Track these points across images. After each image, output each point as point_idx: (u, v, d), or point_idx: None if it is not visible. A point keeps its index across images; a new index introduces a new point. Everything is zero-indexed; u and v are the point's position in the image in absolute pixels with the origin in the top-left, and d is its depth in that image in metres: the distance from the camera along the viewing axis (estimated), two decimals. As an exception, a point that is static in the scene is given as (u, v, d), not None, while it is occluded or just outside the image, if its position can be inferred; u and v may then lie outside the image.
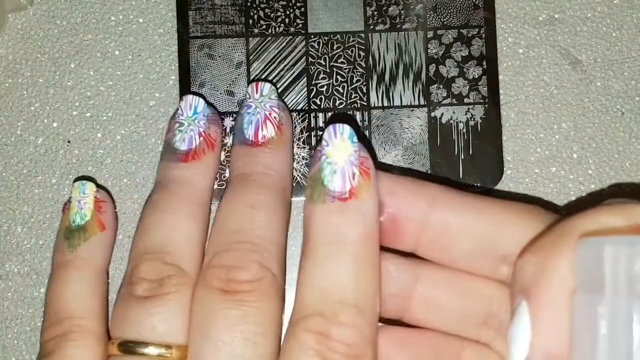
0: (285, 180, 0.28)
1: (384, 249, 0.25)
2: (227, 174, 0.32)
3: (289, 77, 0.32)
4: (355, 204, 0.24)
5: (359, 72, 0.32)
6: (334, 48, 0.32)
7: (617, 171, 0.32)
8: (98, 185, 0.30)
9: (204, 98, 0.30)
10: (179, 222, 0.27)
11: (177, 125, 0.29)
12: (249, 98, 0.29)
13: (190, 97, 0.29)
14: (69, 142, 0.32)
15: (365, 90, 0.32)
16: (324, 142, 0.25)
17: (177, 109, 0.29)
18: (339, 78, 0.32)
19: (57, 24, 0.33)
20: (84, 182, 0.29)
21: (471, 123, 0.32)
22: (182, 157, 0.28)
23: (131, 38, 0.33)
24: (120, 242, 0.32)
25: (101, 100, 0.33)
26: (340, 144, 0.25)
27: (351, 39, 0.32)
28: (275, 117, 0.28)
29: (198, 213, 0.28)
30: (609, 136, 0.32)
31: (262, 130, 0.28)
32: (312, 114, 0.32)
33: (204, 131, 0.28)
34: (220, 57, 0.32)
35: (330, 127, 0.25)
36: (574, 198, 0.32)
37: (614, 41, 0.33)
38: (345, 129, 0.25)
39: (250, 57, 0.32)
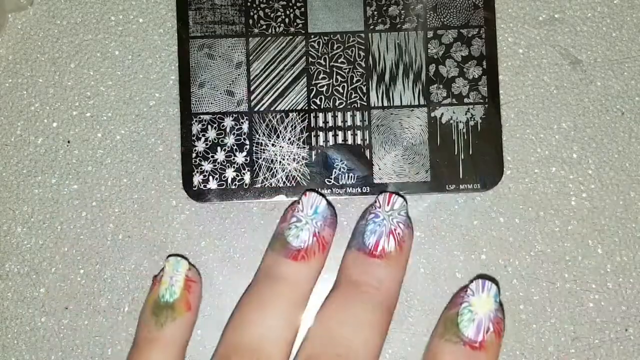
0: (393, 298, 0.28)
1: None
2: (227, 174, 0.32)
3: (289, 77, 0.32)
4: (482, 356, 0.26)
5: (359, 72, 0.32)
6: (334, 48, 0.32)
7: (617, 171, 0.32)
8: (190, 264, 0.30)
9: (326, 199, 0.29)
10: (278, 324, 0.27)
11: (294, 220, 0.29)
12: (378, 207, 0.29)
13: (313, 195, 0.29)
14: (69, 142, 0.32)
15: (365, 90, 0.32)
16: (469, 291, 0.27)
17: (297, 202, 0.29)
18: (339, 78, 0.32)
19: (57, 24, 0.33)
20: (178, 259, 0.29)
21: (471, 123, 0.32)
22: (294, 254, 0.28)
23: (131, 38, 0.33)
24: (120, 242, 0.32)
25: (101, 100, 0.33)
26: (485, 298, 0.27)
27: (351, 39, 0.32)
28: (399, 234, 0.28)
29: (296, 315, 0.28)
30: (609, 136, 0.32)
31: (383, 242, 0.28)
32: (312, 114, 0.32)
33: (319, 232, 0.28)
34: (220, 57, 0.32)
35: (480, 281, 0.27)
36: (574, 198, 0.32)
37: (614, 41, 0.33)
38: (493, 288, 0.27)
39: (250, 57, 0.32)
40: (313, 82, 0.32)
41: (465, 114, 0.32)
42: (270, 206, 0.32)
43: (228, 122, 0.32)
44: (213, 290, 0.32)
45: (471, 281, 0.27)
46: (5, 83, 0.33)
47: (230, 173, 0.32)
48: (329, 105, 0.32)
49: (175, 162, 0.32)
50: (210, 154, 0.32)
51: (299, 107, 0.32)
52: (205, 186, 0.32)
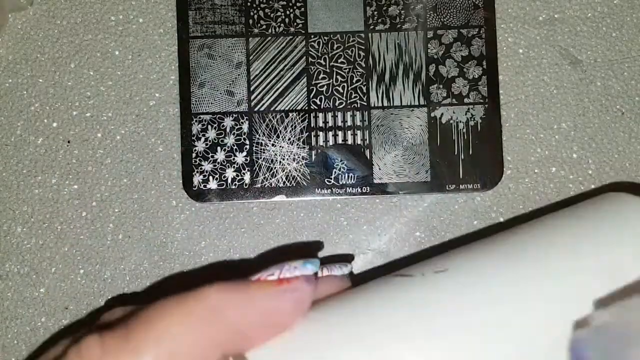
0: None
1: None
2: (227, 174, 0.32)
3: (289, 77, 0.32)
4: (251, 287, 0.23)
5: (359, 72, 0.32)
6: (334, 48, 0.32)
7: (617, 171, 0.32)
8: None
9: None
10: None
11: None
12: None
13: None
14: (69, 142, 0.32)
15: (365, 90, 0.32)
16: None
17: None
18: (339, 78, 0.32)
19: (57, 24, 0.33)
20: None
21: (471, 123, 0.32)
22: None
23: (131, 38, 0.33)
24: (120, 242, 0.32)
25: (101, 100, 0.33)
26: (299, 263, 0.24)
27: (351, 39, 0.32)
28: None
29: None
30: (609, 136, 0.32)
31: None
32: (312, 114, 0.32)
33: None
34: (220, 57, 0.32)
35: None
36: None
37: (614, 41, 0.33)
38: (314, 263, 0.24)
39: (250, 57, 0.32)
40: (313, 82, 0.32)
41: (465, 114, 0.32)
42: (270, 206, 0.32)
43: (228, 122, 0.32)
44: (213, 290, 0.32)
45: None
46: (5, 83, 0.33)
47: (230, 173, 0.32)
48: (329, 105, 0.32)
49: (175, 162, 0.32)
50: (210, 154, 0.32)
51: (299, 107, 0.32)
52: (205, 186, 0.32)
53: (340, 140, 0.32)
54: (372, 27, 0.32)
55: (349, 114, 0.32)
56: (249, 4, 0.32)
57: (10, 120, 0.33)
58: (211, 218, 0.32)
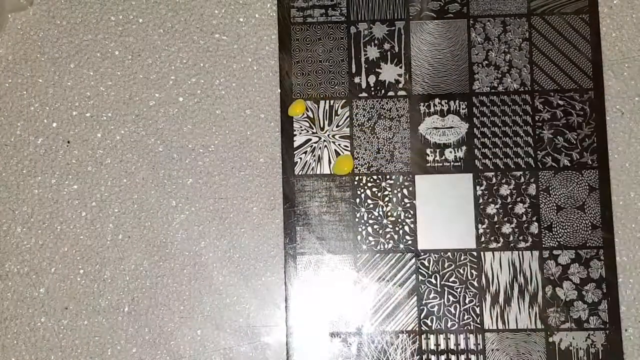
0: None
1: None
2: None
3: (398, 296, 0.31)
4: None
5: (472, 292, 0.31)
6: (445, 266, 0.31)
7: (617, 171, 0.32)
8: None
9: None
10: None
11: None
12: None
13: None
14: (68, 142, 0.33)
15: (478, 312, 0.31)
16: None
17: None
18: (451, 298, 0.31)
19: (57, 24, 0.33)
20: None
21: (592, 350, 0.30)
22: None
23: (131, 38, 0.33)
24: (120, 242, 0.32)
25: (101, 100, 0.33)
26: None
27: (462, 257, 0.31)
28: None
29: None
30: (608, 136, 0.32)
31: None
32: (424, 336, 0.31)
33: None
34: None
35: None
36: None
37: (613, 41, 0.33)
38: None
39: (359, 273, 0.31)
40: (423, 302, 0.31)
41: (585, 340, 0.30)
42: (270, 206, 0.32)
43: (336, 342, 0.31)
44: (213, 290, 0.32)
45: None
46: (5, 83, 0.33)
47: None
48: (440, 326, 0.31)
49: (175, 162, 0.32)
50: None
51: (408, 329, 0.31)
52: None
53: None
54: (484, 245, 0.31)
55: (461, 336, 0.31)
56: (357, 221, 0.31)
57: (10, 120, 0.33)
58: (211, 218, 0.32)
